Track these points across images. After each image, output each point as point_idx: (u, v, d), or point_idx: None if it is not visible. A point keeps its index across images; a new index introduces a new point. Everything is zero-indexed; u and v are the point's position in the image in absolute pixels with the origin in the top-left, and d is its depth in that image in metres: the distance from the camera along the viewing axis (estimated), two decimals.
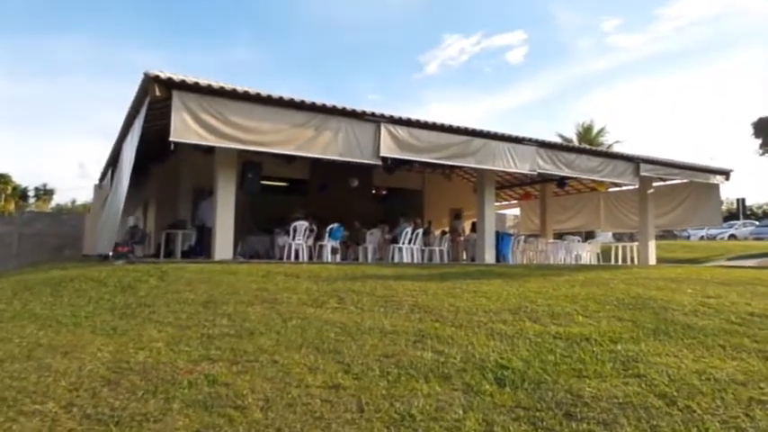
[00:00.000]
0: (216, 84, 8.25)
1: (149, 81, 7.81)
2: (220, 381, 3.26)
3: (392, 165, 17.21)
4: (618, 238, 30.10)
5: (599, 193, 18.50)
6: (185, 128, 8.08)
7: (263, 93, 8.62)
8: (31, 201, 33.76)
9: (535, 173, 11.80)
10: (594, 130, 28.23)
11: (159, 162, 15.07)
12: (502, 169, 11.52)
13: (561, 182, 17.56)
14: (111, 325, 4.46)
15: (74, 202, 43.57)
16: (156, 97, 7.95)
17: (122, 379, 3.27)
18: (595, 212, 18.86)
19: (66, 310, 4.89)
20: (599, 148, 13.15)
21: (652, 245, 15.53)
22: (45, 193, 34.81)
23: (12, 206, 28.33)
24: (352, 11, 76.18)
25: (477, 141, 10.79)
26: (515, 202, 21.63)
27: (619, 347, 4.00)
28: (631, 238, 31.06)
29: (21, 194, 31.49)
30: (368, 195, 17.91)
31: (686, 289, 6.89)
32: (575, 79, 77.83)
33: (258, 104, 8.72)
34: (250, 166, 10.26)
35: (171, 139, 7.96)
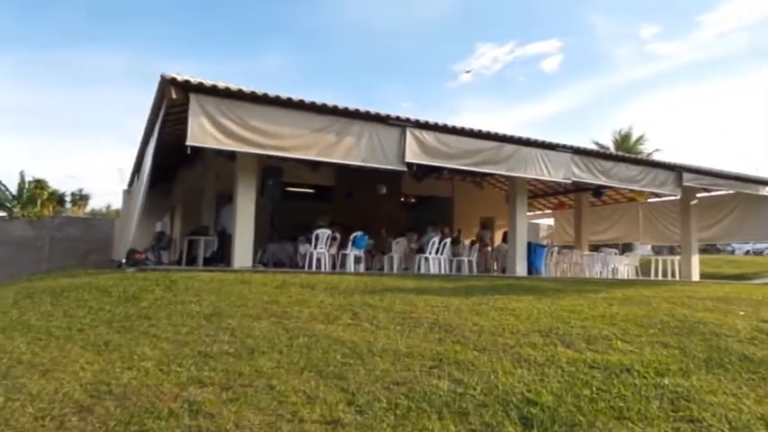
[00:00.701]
0: (234, 86, 7.99)
1: (166, 84, 7.60)
2: (204, 410, 2.88)
3: (421, 172, 16.87)
4: (657, 251, 28.87)
5: (638, 204, 17.66)
6: (203, 132, 7.84)
7: (283, 96, 8.32)
8: (68, 206, 34.61)
9: (570, 181, 11.19)
10: (633, 138, 27.13)
11: (186, 168, 15.06)
12: (534, 177, 10.96)
13: (598, 191, 16.82)
14: (104, 339, 4.15)
15: (108, 207, 44.47)
16: (174, 100, 7.73)
17: (97, 405, 2.92)
18: (634, 224, 17.98)
19: (62, 321, 4.62)
20: (638, 156, 12.41)
21: (695, 260, 14.64)
22: (80, 199, 35.55)
23: (48, 211, 28.98)
24: (384, 20, 76.20)
25: (509, 147, 10.27)
26: (549, 211, 20.90)
27: (666, 382, 3.47)
28: (671, 251, 29.85)
29: (58, 199, 32.23)
30: (396, 203, 17.53)
31: (738, 311, 6.24)
32: (612, 88, 75.88)
33: (278, 108, 8.43)
34: (271, 171, 9.98)
35: (187, 143, 7.72)
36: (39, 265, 16.43)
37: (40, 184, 28.55)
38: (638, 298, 6.94)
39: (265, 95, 8.19)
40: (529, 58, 78.29)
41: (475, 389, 3.28)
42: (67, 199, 35.14)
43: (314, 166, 16.03)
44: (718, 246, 29.54)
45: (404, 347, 4.09)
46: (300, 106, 8.56)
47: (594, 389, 3.32)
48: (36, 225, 18.05)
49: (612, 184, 12.06)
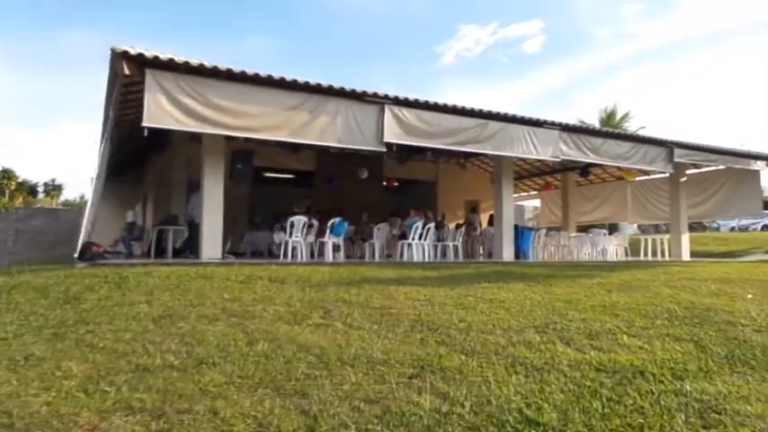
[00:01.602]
0: (195, 61, 7.26)
1: (117, 58, 6.86)
2: None
3: (403, 154, 16.27)
4: (643, 230, 28.63)
5: (626, 183, 17.26)
6: (160, 111, 7.13)
7: (250, 71, 7.62)
8: (41, 196, 33.41)
9: (558, 159, 10.64)
10: (618, 116, 26.74)
11: (157, 153, 14.28)
12: (521, 156, 10.40)
13: (585, 170, 16.39)
14: (27, 351, 3.51)
15: (82, 197, 43.24)
16: (126, 76, 7.01)
17: None
18: (622, 203, 17.59)
19: None
20: (628, 132, 11.89)
21: (685, 238, 14.27)
22: (54, 189, 34.33)
23: (19, 202, 27.93)
24: (366, 2, 74.80)
25: (494, 125, 9.68)
26: (535, 192, 20.44)
27: (687, 387, 2.94)
28: (657, 229, 29.64)
29: (29, 190, 31.07)
30: (378, 187, 16.97)
31: (744, 294, 5.79)
32: (594, 67, 75.53)
33: (245, 85, 7.73)
34: (240, 155, 9.29)
35: (144, 124, 7.03)
36: (3, 259, 15.59)
37: (6, 173, 27.38)
38: (635, 283, 6.46)
39: (229, 71, 7.49)
40: (511, 39, 77.50)
41: (463, 405, 2.72)
42: (40, 189, 33.98)
43: (294, 149, 15.38)
44: (704, 223, 29.42)
45: (380, 353, 3.52)
46: (269, 83, 7.88)
47: (605, 400, 2.78)
48: (0, 217, 17.16)
49: (602, 162, 11.56)
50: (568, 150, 10.58)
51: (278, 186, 17.12)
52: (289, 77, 7.92)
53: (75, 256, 6.78)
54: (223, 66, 7.44)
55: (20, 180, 30.00)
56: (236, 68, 7.54)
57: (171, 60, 7.07)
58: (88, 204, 7.19)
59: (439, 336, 3.91)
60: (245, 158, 9.16)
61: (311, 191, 16.29)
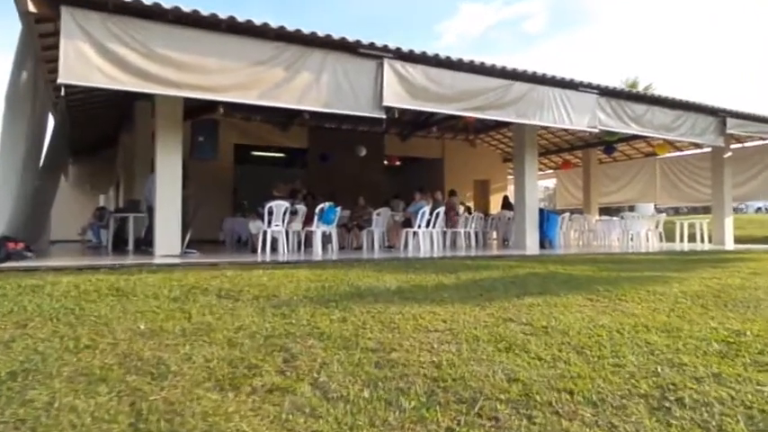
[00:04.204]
0: None
1: None
2: None
3: (406, 129, 14.49)
4: (661, 211, 26.75)
5: (654, 160, 15.46)
6: (84, 64, 5.34)
7: (205, 12, 5.78)
8: None
9: (595, 130, 8.80)
10: (641, 87, 24.67)
11: (127, 130, 12.52)
12: (552, 125, 8.58)
13: (610, 147, 14.59)
14: None
15: None
16: (33, 15, 5.21)
17: None
18: (650, 183, 15.83)
19: None
20: (676, 98, 9.98)
21: (729, 222, 12.50)
22: None
23: None
24: None
25: (520, 86, 7.84)
26: (551, 171, 18.61)
27: None
28: (676, 211, 27.74)
29: None
30: (378, 166, 15.25)
31: None
32: (601, 44, 72.67)
33: (200, 30, 5.93)
34: (201, 125, 7.47)
35: (60, 80, 5.24)
36: None
37: None
38: (731, 292, 4.69)
39: (177, 10, 5.66)
40: (515, 17, 74.51)
41: None
42: None
43: (283, 125, 13.67)
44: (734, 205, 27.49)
45: None
46: (232, 28, 6.07)
47: None
48: None
49: (644, 134, 9.70)
50: (607, 120, 8.75)
51: (267, 166, 15.52)
52: (258, 22, 6.09)
53: None
54: (168, 3, 5.59)
55: None
56: (187, 8, 5.70)
57: None
58: (10, 186, 5.43)
59: (481, 421, 2.17)
60: (208, 130, 7.35)
61: (303, 171, 14.65)
